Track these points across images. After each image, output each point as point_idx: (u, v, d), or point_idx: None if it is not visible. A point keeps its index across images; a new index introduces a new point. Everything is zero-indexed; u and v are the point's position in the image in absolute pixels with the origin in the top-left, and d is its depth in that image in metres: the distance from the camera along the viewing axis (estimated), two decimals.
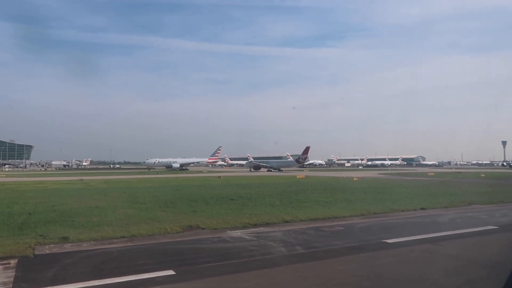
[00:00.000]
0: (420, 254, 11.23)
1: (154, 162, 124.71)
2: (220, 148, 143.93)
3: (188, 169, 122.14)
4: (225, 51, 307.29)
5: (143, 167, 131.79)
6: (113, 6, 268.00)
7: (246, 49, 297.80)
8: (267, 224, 15.92)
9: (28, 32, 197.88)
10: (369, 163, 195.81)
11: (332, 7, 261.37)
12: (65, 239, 12.72)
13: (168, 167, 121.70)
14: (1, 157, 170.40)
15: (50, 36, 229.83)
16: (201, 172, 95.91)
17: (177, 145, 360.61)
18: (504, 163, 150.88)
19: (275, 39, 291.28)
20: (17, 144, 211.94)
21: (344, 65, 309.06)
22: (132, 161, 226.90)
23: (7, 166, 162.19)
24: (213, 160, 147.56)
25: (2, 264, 9.86)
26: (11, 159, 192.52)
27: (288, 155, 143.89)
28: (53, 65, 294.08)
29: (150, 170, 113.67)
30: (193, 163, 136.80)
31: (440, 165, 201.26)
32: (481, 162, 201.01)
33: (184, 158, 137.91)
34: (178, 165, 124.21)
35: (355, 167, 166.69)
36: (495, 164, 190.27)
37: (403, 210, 20.27)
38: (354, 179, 52.28)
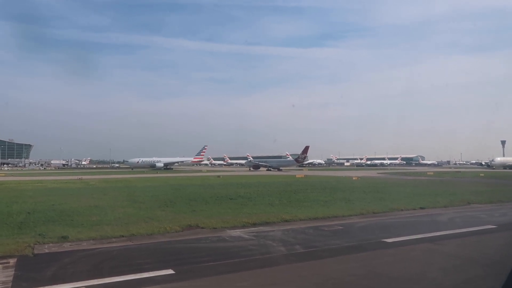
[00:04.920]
0: (419, 253, 11.25)
1: (138, 162, 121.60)
2: (205, 147, 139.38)
3: (172, 169, 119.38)
4: (225, 50, 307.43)
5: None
6: (114, 6, 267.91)
7: (246, 48, 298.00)
8: (266, 224, 15.93)
9: (28, 31, 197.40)
10: (369, 162, 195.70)
11: (333, 7, 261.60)
12: (64, 238, 12.71)
13: (152, 167, 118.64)
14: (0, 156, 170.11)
15: (50, 35, 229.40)
16: (200, 171, 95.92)
17: (176, 144, 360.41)
18: (483, 163, 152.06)
19: (276, 39, 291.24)
20: (16, 143, 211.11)
21: (344, 64, 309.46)
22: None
23: (5, 165, 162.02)
24: (198, 160, 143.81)
25: (1, 264, 9.86)
26: (10, 158, 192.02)
27: (287, 155, 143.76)
28: (53, 64, 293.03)
29: (134, 169, 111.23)
30: (177, 162, 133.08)
31: (439, 164, 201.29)
32: (480, 161, 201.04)
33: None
34: (162, 165, 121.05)
35: (354, 167, 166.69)
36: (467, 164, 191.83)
37: (402, 210, 20.27)
38: (354, 178, 52.30)
